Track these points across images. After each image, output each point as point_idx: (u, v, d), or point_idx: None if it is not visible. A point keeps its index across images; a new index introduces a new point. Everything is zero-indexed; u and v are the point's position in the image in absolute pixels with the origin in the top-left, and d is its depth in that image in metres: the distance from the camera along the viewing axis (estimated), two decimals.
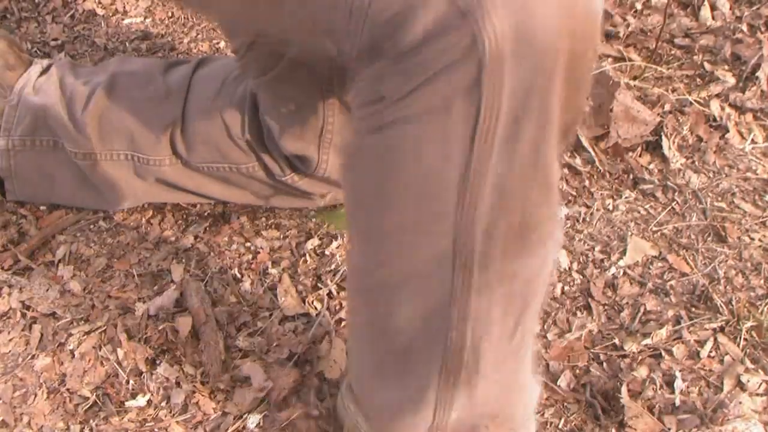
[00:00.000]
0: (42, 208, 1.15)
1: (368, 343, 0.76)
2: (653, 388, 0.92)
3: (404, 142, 0.60)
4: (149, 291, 1.05)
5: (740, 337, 0.96)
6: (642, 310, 1.00)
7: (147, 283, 1.06)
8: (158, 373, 0.96)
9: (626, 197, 1.13)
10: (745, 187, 1.14)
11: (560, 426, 0.90)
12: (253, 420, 0.91)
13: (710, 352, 0.96)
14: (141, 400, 0.94)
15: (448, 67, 0.55)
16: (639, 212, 1.11)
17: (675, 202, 1.12)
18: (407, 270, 0.66)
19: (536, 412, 0.92)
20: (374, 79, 0.60)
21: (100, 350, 0.99)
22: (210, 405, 0.93)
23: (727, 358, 0.95)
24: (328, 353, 0.97)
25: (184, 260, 1.08)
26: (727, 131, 1.20)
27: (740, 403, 0.89)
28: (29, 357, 0.99)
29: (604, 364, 0.95)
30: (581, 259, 1.06)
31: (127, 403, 0.94)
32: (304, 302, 1.03)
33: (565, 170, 1.17)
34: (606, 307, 1.01)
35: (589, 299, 1.02)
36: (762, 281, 1.02)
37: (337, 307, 1.02)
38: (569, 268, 1.05)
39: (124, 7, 1.49)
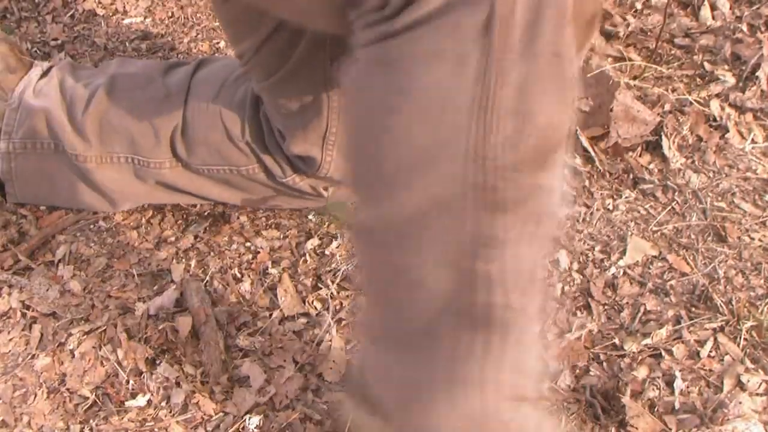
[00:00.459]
0: (42, 208, 1.15)
1: (386, 308, 0.68)
2: (653, 388, 0.92)
3: (416, 48, 0.55)
4: (149, 291, 1.05)
5: (740, 337, 0.96)
6: (642, 310, 1.00)
7: (147, 283, 1.06)
8: (158, 373, 0.96)
9: (626, 197, 1.13)
10: (745, 187, 1.14)
11: (560, 426, 0.90)
12: (253, 421, 0.91)
13: (710, 352, 0.96)
14: (141, 400, 0.94)
15: None
16: (639, 212, 1.11)
17: (675, 202, 1.12)
18: (426, 202, 0.59)
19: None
20: None
21: (100, 350, 0.99)
22: (210, 405, 0.93)
23: (727, 358, 0.95)
24: (328, 354, 0.97)
25: (184, 260, 1.08)
26: (727, 131, 1.20)
27: (740, 403, 0.89)
28: (29, 357, 0.99)
29: (604, 364, 0.95)
30: (581, 259, 1.06)
31: (127, 403, 0.94)
32: (304, 302, 1.03)
33: (565, 170, 1.17)
34: (606, 307, 1.01)
35: (589, 299, 1.02)
36: (762, 281, 1.02)
37: (338, 307, 1.02)
38: (569, 268, 1.05)
39: (124, 7, 1.49)
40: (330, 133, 1.00)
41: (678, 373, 0.93)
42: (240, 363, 0.96)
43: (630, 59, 1.32)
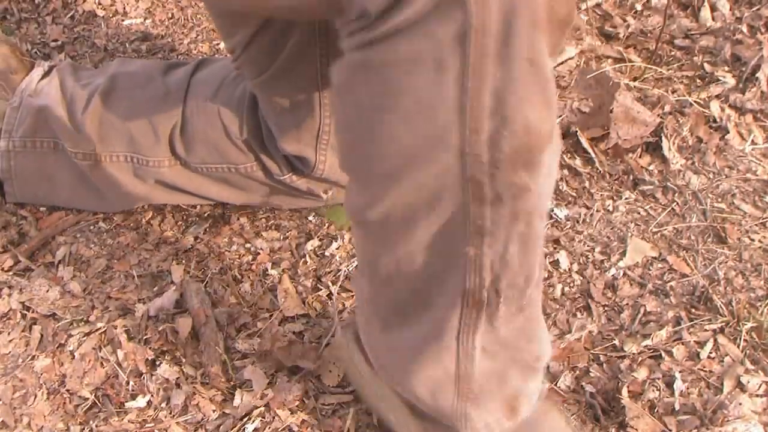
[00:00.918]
0: (42, 209, 1.15)
1: (383, 285, 0.74)
2: (653, 389, 0.92)
3: (395, 55, 0.58)
4: (149, 292, 1.05)
5: (740, 338, 0.96)
6: (642, 311, 1.00)
7: (147, 284, 1.06)
8: (158, 374, 0.96)
9: (626, 198, 1.13)
10: (745, 188, 1.14)
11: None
12: (252, 422, 0.91)
13: (710, 353, 0.96)
14: (141, 401, 0.94)
15: None
16: (639, 213, 1.11)
17: (675, 203, 1.12)
18: (416, 194, 0.64)
19: None
20: None
21: (100, 351, 0.99)
22: (210, 406, 0.93)
23: (727, 359, 0.95)
24: (327, 355, 0.97)
25: (184, 261, 1.08)
26: (727, 132, 1.20)
27: (740, 404, 0.89)
28: (29, 358, 0.99)
29: (604, 365, 0.95)
30: (581, 260, 1.06)
31: (127, 404, 0.94)
32: (304, 303, 1.03)
33: (565, 171, 1.17)
34: (606, 308, 1.01)
35: (589, 300, 1.02)
36: (762, 282, 1.02)
37: (339, 308, 1.02)
38: (569, 269, 1.05)
39: (124, 8, 1.49)
40: (323, 132, 1.00)
41: (678, 374, 0.93)
42: (240, 364, 0.96)
43: (630, 60, 1.32)
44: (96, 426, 0.92)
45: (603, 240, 1.08)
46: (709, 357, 0.95)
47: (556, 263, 1.05)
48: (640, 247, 1.07)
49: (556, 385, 0.93)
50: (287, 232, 1.11)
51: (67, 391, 0.96)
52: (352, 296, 1.03)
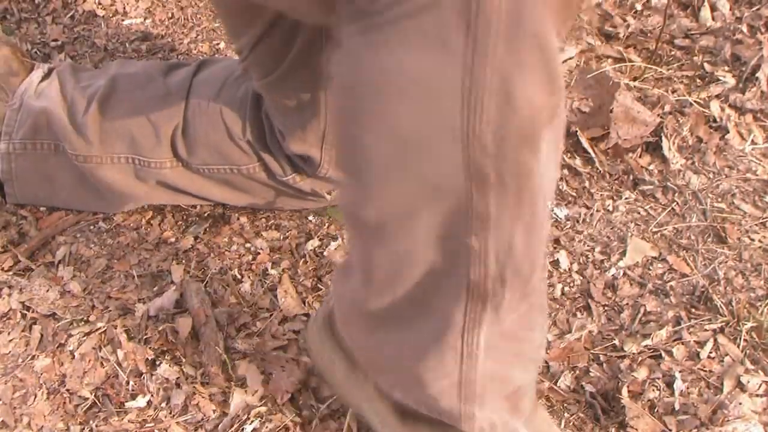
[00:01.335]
0: (42, 209, 1.15)
1: (379, 288, 0.70)
2: (653, 389, 0.92)
3: (399, 35, 0.56)
4: (149, 292, 1.05)
5: (740, 338, 0.96)
6: (642, 311, 1.00)
7: (147, 284, 1.06)
8: (158, 374, 0.96)
9: (626, 198, 1.13)
10: (745, 188, 1.14)
11: (560, 426, 0.90)
12: (251, 422, 0.91)
13: (710, 353, 0.96)
14: (141, 401, 0.94)
15: None
16: (639, 213, 1.11)
17: (675, 203, 1.12)
18: (416, 187, 0.61)
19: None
20: None
21: (100, 351, 0.99)
22: (210, 406, 0.93)
23: (727, 359, 0.95)
24: None
25: (184, 261, 1.08)
26: (727, 132, 1.20)
27: (740, 404, 0.89)
28: (29, 358, 0.99)
29: (604, 365, 0.95)
30: (581, 260, 1.06)
31: (127, 404, 0.94)
32: (304, 303, 1.03)
33: (565, 171, 1.17)
34: (606, 308, 1.01)
35: (589, 300, 1.02)
36: (762, 282, 1.02)
37: None
38: (569, 269, 1.05)
39: (124, 8, 1.49)
40: (329, 132, 1.00)
41: (678, 374, 0.93)
42: (239, 364, 0.96)
43: (630, 60, 1.32)
44: (96, 426, 0.92)
45: (603, 240, 1.08)
46: (709, 357, 0.95)
47: (556, 263, 1.05)
48: (640, 247, 1.07)
49: (556, 384, 0.93)
50: (287, 232, 1.11)
51: (67, 390, 0.96)
52: None
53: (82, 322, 1.02)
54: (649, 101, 1.24)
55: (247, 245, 1.10)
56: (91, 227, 1.14)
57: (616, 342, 0.97)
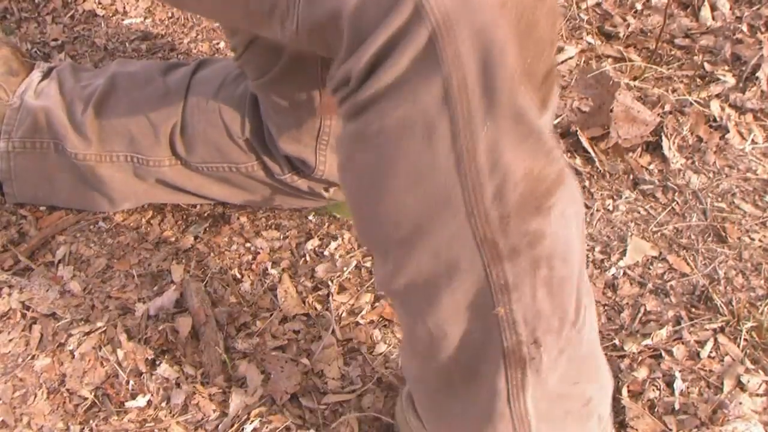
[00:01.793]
0: (42, 208, 1.15)
1: (424, 359, 0.73)
2: (653, 389, 0.92)
3: (385, 122, 0.58)
4: (149, 291, 1.05)
5: (740, 338, 0.96)
6: (642, 310, 1.00)
7: (147, 284, 1.06)
8: (158, 374, 0.96)
9: (626, 197, 1.13)
10: (745, 187, 1.13)
11: None
12: (251, 422, 0.91)
13: (710, 352, 0.96)
14: (141, 401, 0.94)
15: (398, 38, 0.55)
16: (639, 213, 1.11)
17: (675, 203, 1.12)
18: (433, 261, 0.64)
19: None
20: (339, 61, 0.59)
21: (100, 351, 0.99)
22: (210, 406, 0.93)
23: (727, 359, 0.95)
24: (328, 354, 0.97)
25: (184, 261, 1.08)
26: (727, 131, 1.20)
27: (740, 403, 0.89)
28: (29, 357, 0.99)
29: None
30: None
31: (127, 404, 0.94)
32: (304, 303, 1.03)
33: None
34: (606, 308, 1.01)
35: None
36: (762, 281, 1.02)
37: (339, 308, 1.02)
38: None
39: (124, 7, 1.49)
40: (323, 134, 1.00)
41: (678, 374, 0.93)
42: (239, 364, 0.96)
43: (630, 60, 1.32)
44: (96, 425, 0.92)
45: (603, 239, 1.08)
46: (709, 356, 0.95)
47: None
48: (640, 247, 1.07)
49: None
50: (287, 232, 1.11)
51: (67, 390, 0.96)
52: (351, 295, 1.03)
53: (82, 322, 1.02)
54: (650, 101, 1.24)
55: (247, 245, 1.10)
56: (91, 227, 1.14)
57: (616, 341, 0.97)
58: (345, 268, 1.05)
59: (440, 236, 0.62)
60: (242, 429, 0.90)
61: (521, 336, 0.66)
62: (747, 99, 1.24)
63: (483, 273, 0.63)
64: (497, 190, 0.59)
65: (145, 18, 1.48)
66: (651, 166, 1.17)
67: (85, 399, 0.95)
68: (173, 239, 1.11)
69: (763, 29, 1.35)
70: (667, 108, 1.22)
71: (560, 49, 1.33)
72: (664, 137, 1.18)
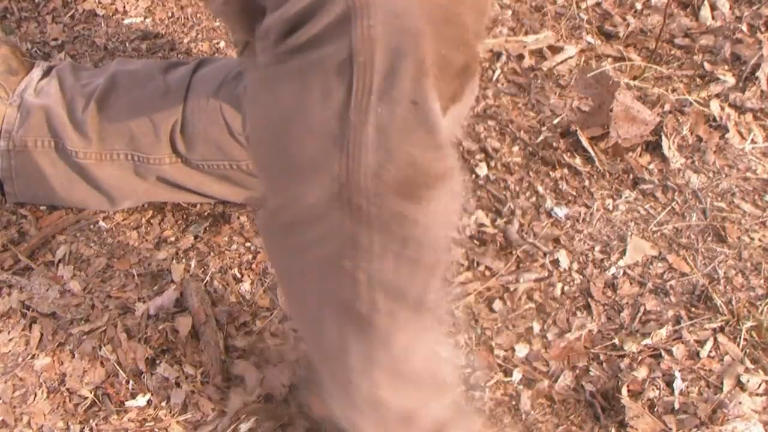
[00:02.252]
0: (42, 208, 1.15)
1: (293, 296, 0.76)
2: (653, 388, 0.92)
3: (289, 73, 0.61)
4: (149, 291, 1.05)
5: (740, 337, 0.96)
6: (642, 310, 1.00)
7: (147, 283, 1.06)
8: (158, 373, 0.96)
9: (626, 197, 1.13)
10: (745, 187, 1.14)
11: (560, 426, 0.90)
12: (248, 420, 0.91)
13: (710, 352, 0.96)
14: (141, 400, 0.94)
15: (318, 5, 0.57)
16: (639, 212, 1.11)
17: (675, 202, 1.12)
18: (305, 210, 0.66)
19: (533, 410, 0.92)
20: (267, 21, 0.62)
21: (100, 350, 0.99)
22: (209, 405, 0.93)
23: (726, 358, 0.95)
24: None
25: (184, 260, 1.08)
26: (727, 131, 1.20)
27: (740, 403, 0.89)
28: (29, 357, 0.99)
29: (604, 364, 0.95)
30: (581, 259, 1.06)
31: (127, 403, 0.94)
32: None
33: (565, 170, 1.17)
34: (606, 307, 1.01)
35: (589, 299, 1.02)
36: (762, 281, 1.02)
37: None
38: (569, 268, 1.05)
39: (124, 7, 1.49)
40: None
41: (678, 374, 0.93)
42: (239, 363, 0.96)
43: (630, 59, 1.32)
44: (96, 425, 0.92)
45: (603, 239, 1.08)
46: (709, 356, 0.95)
47: (556, 262, 1.05)
48: (640, 246, 1.07)
49: (556, 383, 0.93)
50: None
51: (67, 389, 0.96)
52: None
53: (82, 321, 1.02)
54: (649, 100, 1.24)
55: (247, 244, 1.10)
56: (92, 226, 1.13)
57: (616, 341, 0.97)
58: None
59: (320, 182, 0.64)
60: (240, 428, 0.90)
61: (378, 304, 0.67)
62: (747, 99, 1.24)
63: (343, 225, 0.65)
64: (376, 166, 0.61)
65: (145, 17, 1.48)
66: (651, 166, 1.17)
67: (85, 398, 0.95)
68: (173, 239, 1.11)
69: (762, 29, 1.35)
70: (667, 108, 1.22)
71: (560, 49, 1.33)
72: (663, 137, 1.18)
